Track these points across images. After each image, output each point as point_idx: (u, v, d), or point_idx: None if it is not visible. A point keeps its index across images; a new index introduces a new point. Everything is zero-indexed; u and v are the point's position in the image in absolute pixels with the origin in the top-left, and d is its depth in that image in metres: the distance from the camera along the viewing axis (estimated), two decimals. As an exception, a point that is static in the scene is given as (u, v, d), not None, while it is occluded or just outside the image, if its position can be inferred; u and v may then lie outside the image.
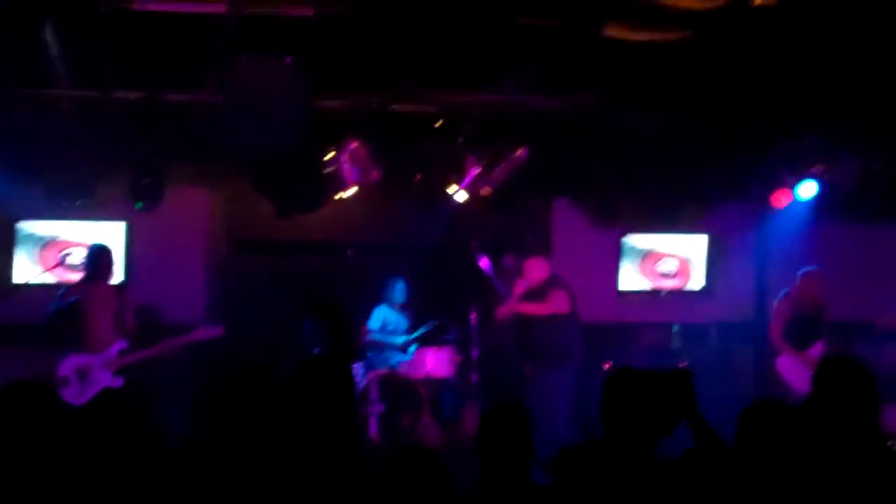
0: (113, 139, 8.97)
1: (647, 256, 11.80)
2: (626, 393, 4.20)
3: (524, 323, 9.47)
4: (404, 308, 10.66)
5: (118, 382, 8.46)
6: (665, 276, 11.85)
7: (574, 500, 4.03)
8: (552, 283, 9.43)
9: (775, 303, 9.86)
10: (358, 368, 10.07)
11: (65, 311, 8.45)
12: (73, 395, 8.32)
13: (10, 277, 10.03)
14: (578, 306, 9.47)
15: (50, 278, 9.74)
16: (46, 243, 10.20)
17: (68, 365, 8.38)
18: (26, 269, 10.04)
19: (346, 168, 9.42)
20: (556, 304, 9.28)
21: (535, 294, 9.38)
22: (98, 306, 8.52)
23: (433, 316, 10.64)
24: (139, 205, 9.49)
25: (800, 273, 9.81)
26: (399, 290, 10.60)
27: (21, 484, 3.85)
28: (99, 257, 8.76)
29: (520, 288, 9.45)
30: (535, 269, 9.52)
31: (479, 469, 4.14)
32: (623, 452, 4.10)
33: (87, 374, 8.38)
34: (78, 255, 10.07)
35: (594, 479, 4.03)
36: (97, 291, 8.60)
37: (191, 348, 10.13)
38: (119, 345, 8.51)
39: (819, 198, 10.27)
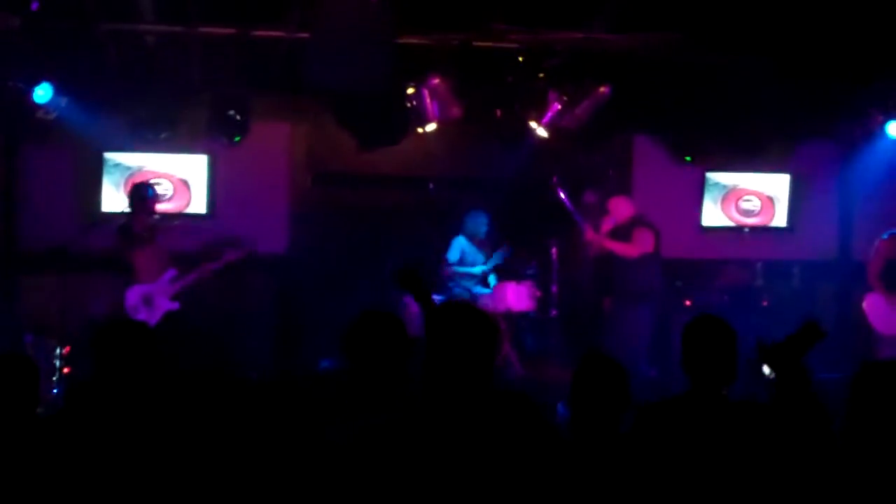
0: (197, 73, 9.08)
1: (730, 193, 11.64)
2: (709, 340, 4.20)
3: (606, 260, 9.44)
4: (483, 241, 10.68)
5: (175, 306, 8.92)
6: (748, 213, 11.70)
7: (660, 451, 4.04)
8: (637, 221, 9.33)
9: (877, 241, 9.74)
10: (437, 300, 10.15)
11: (122, 244, 8.91)
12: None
13: (99, 207, 10.19)
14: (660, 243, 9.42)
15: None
16: (132, 174, 10.32)
17: (134, 294, 8.80)
18: (114, 199, 10.21)
19: (428, 103, 9.44)
20: (642, 244, 9.20)
21: (620, 232, 9.30)
22: (146, 239, 8.89)
23: (513, 250, 10.63)
24: (237, 138, 9.69)
25: None
26: (479, 223, 10.60)
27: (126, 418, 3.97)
28: (138, 193, 9.06)
29: (607, 225, 9.39)
30: (620, 208, 9.44)
31: (571, 415, 4.17)
32: (704, 403, 4.10)
33: (152, 301, 8.78)
34: (165, 186, 10.28)
35: (677, 433, 4.04)
36: (143, 225, 8.93)
37: (271, 280, 10.44)
38: (170, 272, 8.93)
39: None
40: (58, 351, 8.67)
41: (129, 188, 9.41)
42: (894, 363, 4.09)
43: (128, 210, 9.08)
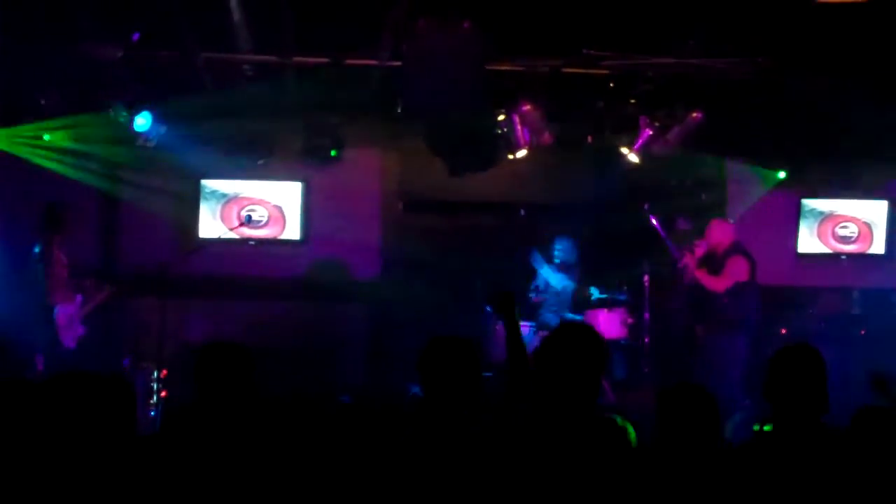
0: (291, 102, 9.23)
1: (827, 220, 11.43)
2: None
3: (700, 287, 9.27)
4: (570, 267, 10.62)
5: (83, 330, 8.84)
6: (845, 239, 11.47)
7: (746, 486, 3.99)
8: (733, 249, 9.13)
9: None
10: (526, 327, 10.14)
11: (38, 265, 8.72)
12: (68, 340, 8.73)
13: (197, 232, 10.40)
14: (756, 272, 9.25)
15: (233, 235, 10.12)
16: (228, 200, 10.52)
17: (63, 314, 8.72)
18: (210, 225, 10.42)
19: (519, 129, 9.48)
20: (734, 273, 8.98)
21: (715, 258, 9.13)
22: (59, 261, 8.76)
23: (606, 277, 10.57)
24: (334, 152, 9.85)
25: None
26: (566, 250, 10.56)
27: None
28: (52, 214, 8.86)
29: (700, 250, 9.21)
30: (719, 233, 9.25)
31: (659, 440, 4.13)
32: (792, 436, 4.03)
33: (73, 321, 8.77)
34: (260, 213, 10.45)
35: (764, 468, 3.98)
36: (56, 246, 8.77)
37: (364, 305, 10.52)
38: (79, 297, 8.87)
39: None
40: (155, 374, 8.83)
41: (44, 209, 8.97)
42: None
43: (45, 231, 8.81)
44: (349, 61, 8.33)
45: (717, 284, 9.01)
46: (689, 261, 9.21)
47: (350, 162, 10.13)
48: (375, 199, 10.93)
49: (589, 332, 3.95)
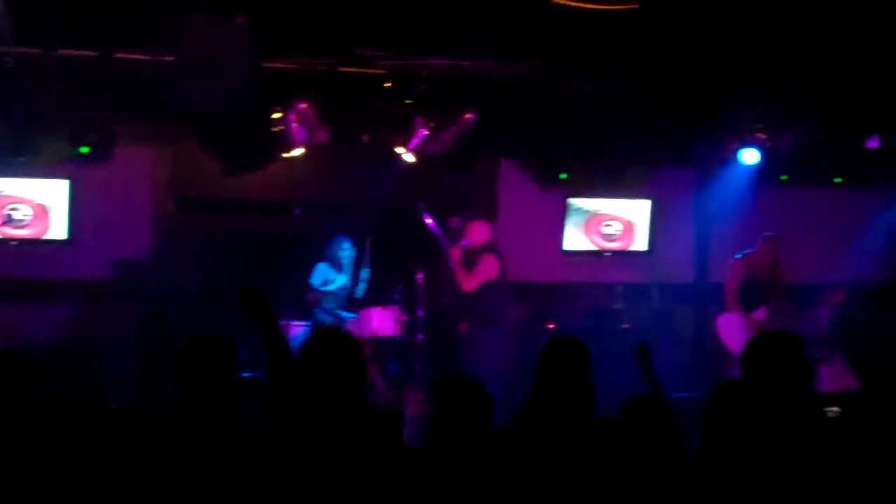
0: (57, 96, 8.89)
1: (592, 218, 11.89)
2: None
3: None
4: (347, 267, 10.65)
5: None
6: (609, 237, 11.96)
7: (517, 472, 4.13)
8: (485, 248, 9.58)
9: (732, 261, 10.12)
10: (301, 327, 10.12)
11: None
12: None
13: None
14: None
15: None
16: (-11, 199, 10.05)
17: None
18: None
19: (294, 128, 9.45)
20: (483, 272, 9.47)
21: (470, 257, 9.52)
22: None
23: (379, 275, 10.66)
24: (85, 149, 9.43)
25: (760, 237, 10.10)
26: (342, 249, 10.58)
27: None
28: None
29: (457, 251, 9.57)
30: (476, 233, 9.64)
31: (432, 431, 4.22)
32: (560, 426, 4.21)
33: None
34: (23, 212, 10.02)
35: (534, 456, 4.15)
36: None
37: (134, 307, 10.23)
38: None
39: (760, 164, 10.55)
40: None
41: None
42: (743, 382, 4.26)
43: None
44: (119, 55, 8.10)
45: (468, 283, 9.42)
46: (455, 253, 9.51)
47: (120, 159, 9.80)
48: (147, 197, 10.63)
49: (344, 338, 3.97)
